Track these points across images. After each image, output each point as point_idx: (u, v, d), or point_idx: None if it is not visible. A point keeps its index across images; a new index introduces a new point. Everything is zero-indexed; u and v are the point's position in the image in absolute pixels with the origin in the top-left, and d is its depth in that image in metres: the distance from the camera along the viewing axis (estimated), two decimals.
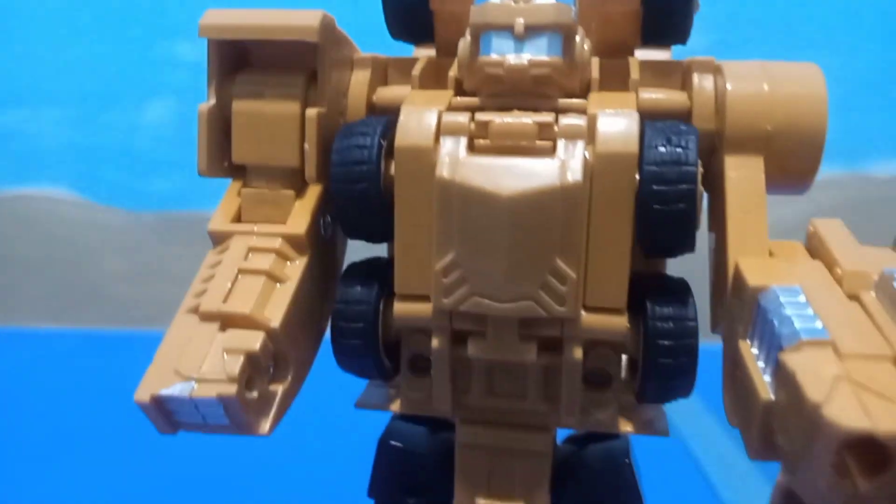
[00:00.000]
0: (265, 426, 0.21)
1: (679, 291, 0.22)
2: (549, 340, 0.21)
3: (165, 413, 0.20)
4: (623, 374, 0.23)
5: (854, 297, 0.18)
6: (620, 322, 0.21)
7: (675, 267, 0.24)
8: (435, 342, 0.22)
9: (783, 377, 0.16)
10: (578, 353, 0.21)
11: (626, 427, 0.23)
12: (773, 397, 0.17)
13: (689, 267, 0.23)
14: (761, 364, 0.18)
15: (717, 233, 0.22)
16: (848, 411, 0.14)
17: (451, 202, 0.20)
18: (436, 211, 0.20)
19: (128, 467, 0.53)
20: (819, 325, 0.16)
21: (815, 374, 0.15)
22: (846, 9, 0.87)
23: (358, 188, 0.22)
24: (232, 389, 0.19)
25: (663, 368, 0.21)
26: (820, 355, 0.15)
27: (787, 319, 0.17)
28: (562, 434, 0.25)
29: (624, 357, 0.23)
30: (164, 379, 0.20)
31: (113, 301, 1.00)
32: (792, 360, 0.16)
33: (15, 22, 0.96)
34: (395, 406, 0.24)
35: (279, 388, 0.21)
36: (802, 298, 0.17)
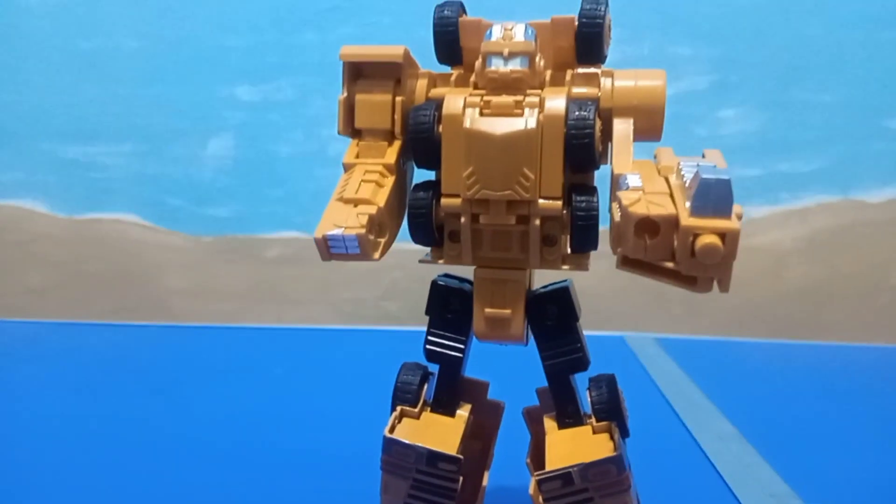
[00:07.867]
0: (377, 255, 0.39)
1: (590, 190, 0.39)
2: (522, 217, 0.39)
3: (326, 247, 0.38)
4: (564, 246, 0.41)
5: (665, 177, 0.37)
6: (558, 204, 0.38)
7: None
8: (462, 220, 0.39)
9: (618, 204, 0.35)
10: (538, 222, 0.39)
11: (564, 266, 0.40)
12: (618, 219, 0.35)
13: None
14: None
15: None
16: (639, 207, 0.33)
17: (470, 140, 0.35)
18: (463, 145, 0.36)
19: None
20: (639, 183, 0.35)
21: (628, 196, 0.34)
22: (838, 48, 0.98)
23: (423, 137, 0.38)
24: (363, 230, 0.37)
25: (581, 227, 0.39)
26: (634, 192, 0.34)
27: (626, 183, 0.36)
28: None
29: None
30: (327, 227, 0.38)
31: (174, 313, 1.12)
32: (622, 193, 0.35)
33: (95, 67, 1.07)
34: (442, 261, 0.42)
35: (381, 241, 0.40)
36: (637, 178, 0.36)
